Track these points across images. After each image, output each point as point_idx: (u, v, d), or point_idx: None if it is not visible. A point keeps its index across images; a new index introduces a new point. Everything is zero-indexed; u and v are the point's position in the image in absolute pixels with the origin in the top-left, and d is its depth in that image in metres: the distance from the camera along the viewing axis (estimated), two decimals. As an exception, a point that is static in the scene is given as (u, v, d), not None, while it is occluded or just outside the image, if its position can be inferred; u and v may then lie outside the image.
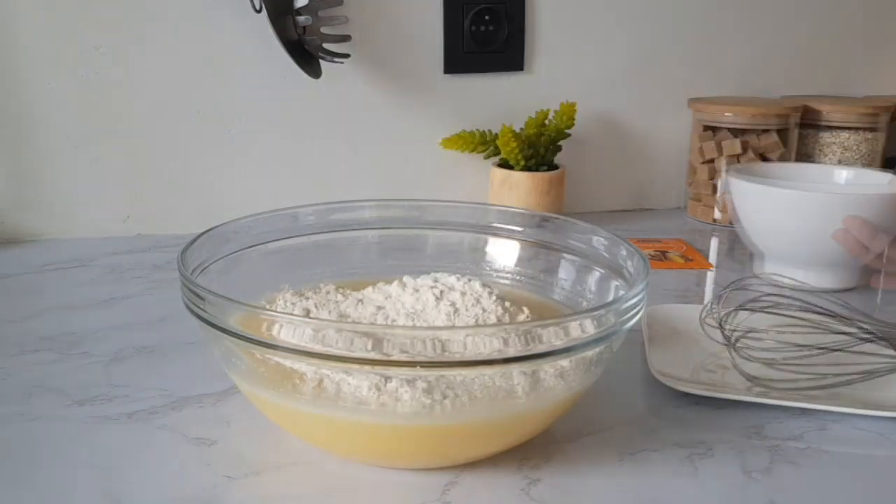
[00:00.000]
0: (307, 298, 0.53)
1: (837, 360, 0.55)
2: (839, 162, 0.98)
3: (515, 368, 0.42)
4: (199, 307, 0.43)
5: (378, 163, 0.96)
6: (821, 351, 0.55)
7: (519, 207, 0.66)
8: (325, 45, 0.87)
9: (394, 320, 0.49)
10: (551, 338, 0.40)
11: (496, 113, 0.97)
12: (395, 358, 0.38)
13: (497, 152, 0.94)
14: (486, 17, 0.94)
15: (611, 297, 0.52)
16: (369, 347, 0.38)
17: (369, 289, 0.54)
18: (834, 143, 0.98)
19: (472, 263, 0.61)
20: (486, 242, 0.62)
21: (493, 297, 0.50)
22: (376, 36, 0.93)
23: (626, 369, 0.58)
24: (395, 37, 0.93)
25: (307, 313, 0.51)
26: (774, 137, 0.96)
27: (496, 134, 0.93)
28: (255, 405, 0.46)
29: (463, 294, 0.50)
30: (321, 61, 0.87)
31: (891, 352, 0.56)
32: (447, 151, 0.97)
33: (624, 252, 0.52)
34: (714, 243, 0.92)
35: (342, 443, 0.44)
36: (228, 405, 0.52)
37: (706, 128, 0.99)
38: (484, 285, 0.51)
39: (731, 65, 1.05)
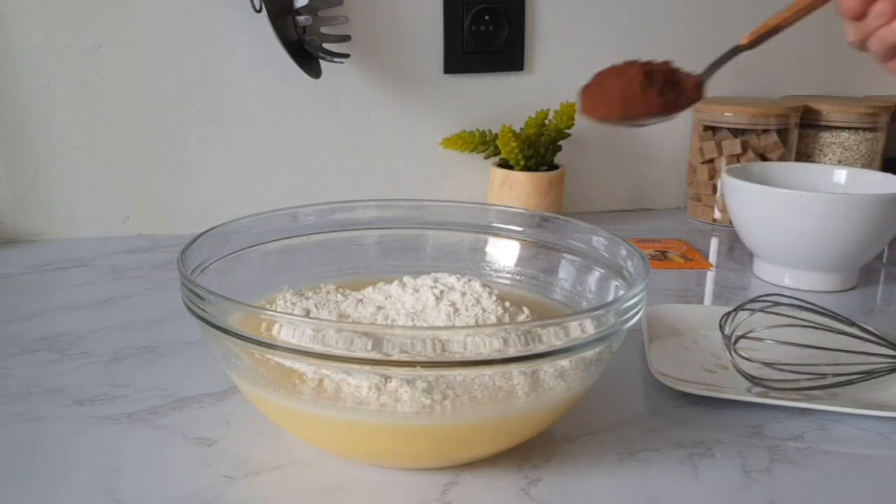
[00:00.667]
0: (307, 298, 0.53)
1: (837, 360, 0.55)
2: (839, 162, 0.98)
3: (515, 368, 0.42)
4: (199, 307, 0.43)
5: (378, 162, 0.97)
6: (821, 351, 0.55)
7: (519, 207, 0.66)
8: (325, 45, 0.87)
9: (394, 320, 0.49)
10: (551, 338, 0.40)
11: (496, 113, 0.97)
12: (395, 358, 0.38)
13: (497, 152, 0.94)
14: (486, 17, 0.94)
15: (611, 297, 0.52)
16: (369, 347, 0.38)
17: (369, 289, 0.54)
18: (834, 143, 0.98)
19: (472, 263, 0.61)
20: (486, 242, 0.62)
21: (493, 297, 0.50)
22: (376, 36, 0.93)
23: (626, 369, 0.58)
24: (395, 37, 0.93)
25: (307, 313, 0.51)
26: (774, 137, 0.96)
27: (496, 134, 0.93)
28: (255, 405, 0.46)
29: (463, 294, 0.50)
30: (321, 61, 0.87)
31: (891, 352, 0.56)
32: (447, 151, 0.97)
33: (624, 252, 0.52)
34: (714, 243, 0.92)
35: (342, 443, 0.44)
36: (228, 405, 0.52)
37: (706, 128, 0.99)
38: (484, 285, 0.51)
39: (731, 65, 1.05)
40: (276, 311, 0.46)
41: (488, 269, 0.61)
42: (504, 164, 0.93)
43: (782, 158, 0.96)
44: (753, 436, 0.49)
